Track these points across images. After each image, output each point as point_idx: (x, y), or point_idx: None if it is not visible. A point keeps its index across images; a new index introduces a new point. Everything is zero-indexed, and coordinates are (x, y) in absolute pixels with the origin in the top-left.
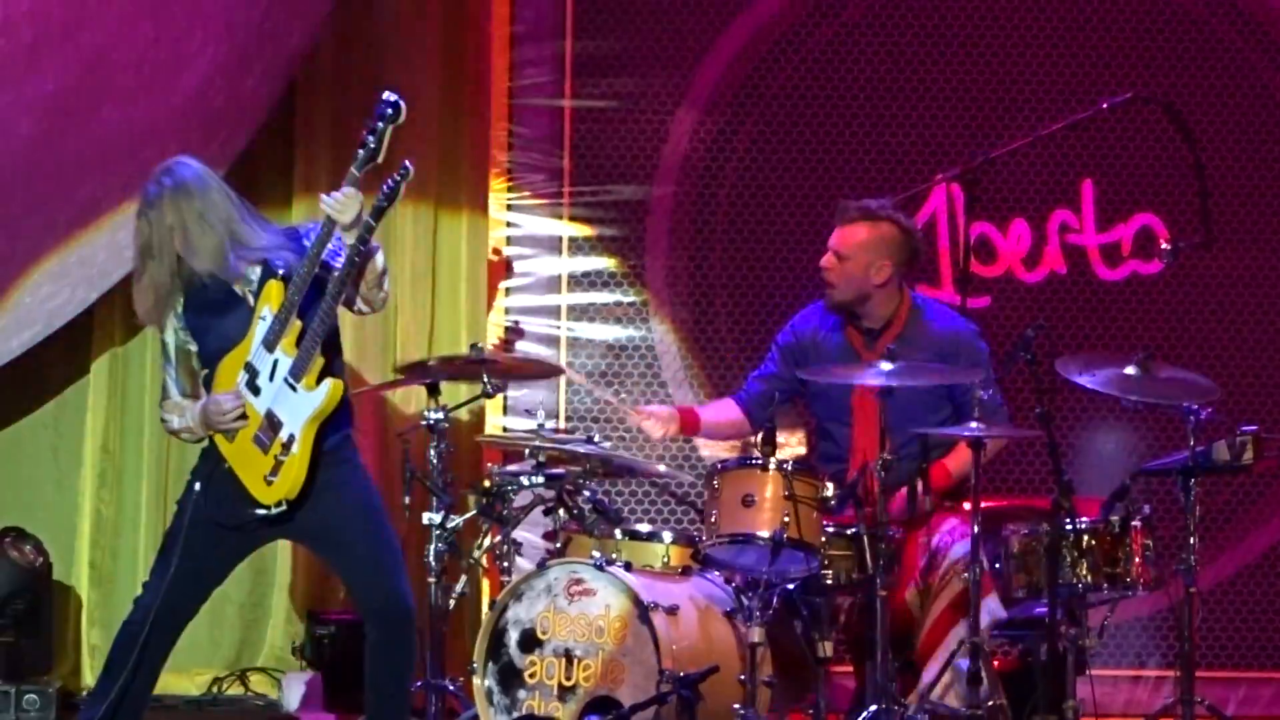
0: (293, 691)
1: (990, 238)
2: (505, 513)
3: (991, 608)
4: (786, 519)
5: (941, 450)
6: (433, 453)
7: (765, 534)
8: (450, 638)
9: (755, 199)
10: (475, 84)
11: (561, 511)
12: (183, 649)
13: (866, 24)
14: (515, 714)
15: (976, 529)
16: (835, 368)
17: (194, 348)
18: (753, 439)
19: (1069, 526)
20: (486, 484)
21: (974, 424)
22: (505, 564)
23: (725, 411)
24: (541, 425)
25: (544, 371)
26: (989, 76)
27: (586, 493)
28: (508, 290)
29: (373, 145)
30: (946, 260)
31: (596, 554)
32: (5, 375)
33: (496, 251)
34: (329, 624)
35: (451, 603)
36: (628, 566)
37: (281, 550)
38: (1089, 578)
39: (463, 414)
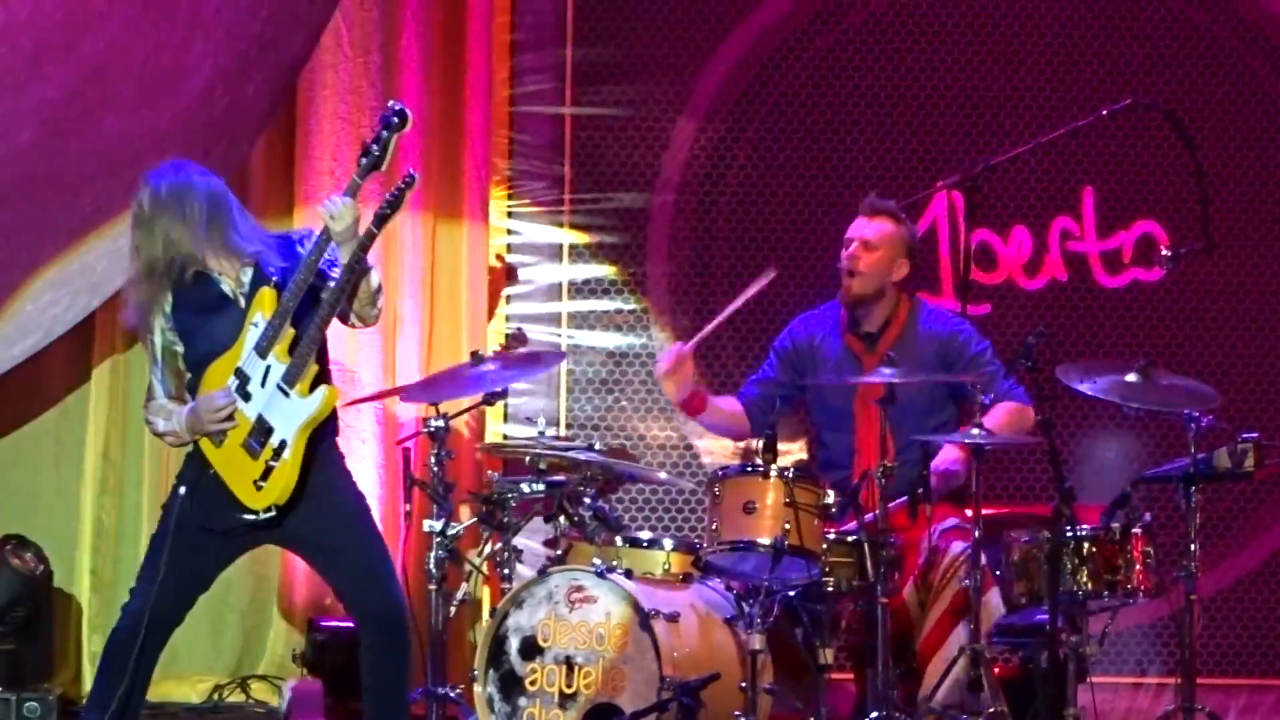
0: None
1: (991, 245)
2: (506, 520)
3: (994, 605)
4: (787, 526)
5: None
6: (433, 460)
7: (766, 541)
8: (451, 645)
9: (756, 206)
10: (476, 91)
11: (562, 519)
12: (184, 656)
13: (867, 31)
14: None
15: (977, 535)
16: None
17: (180, 349)
18: (754, 445)
19: (1070, 533)
20: (487, 491)
21: (976, 431)
22: (506, 571)
23: (729, 404)
24: (542, 433)
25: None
26: (990, 83)
27: (587, 500)
28: (509, 298)
29: (377, 153)
30: (947, 267)
31: (597, 561)
32: (6, 383)
33: (499, 259)
34: (330, 631)
35: (452, 610)
36: (628, 574)
37: (282, 558)
38: (1090, 585)
39: (463, 422)
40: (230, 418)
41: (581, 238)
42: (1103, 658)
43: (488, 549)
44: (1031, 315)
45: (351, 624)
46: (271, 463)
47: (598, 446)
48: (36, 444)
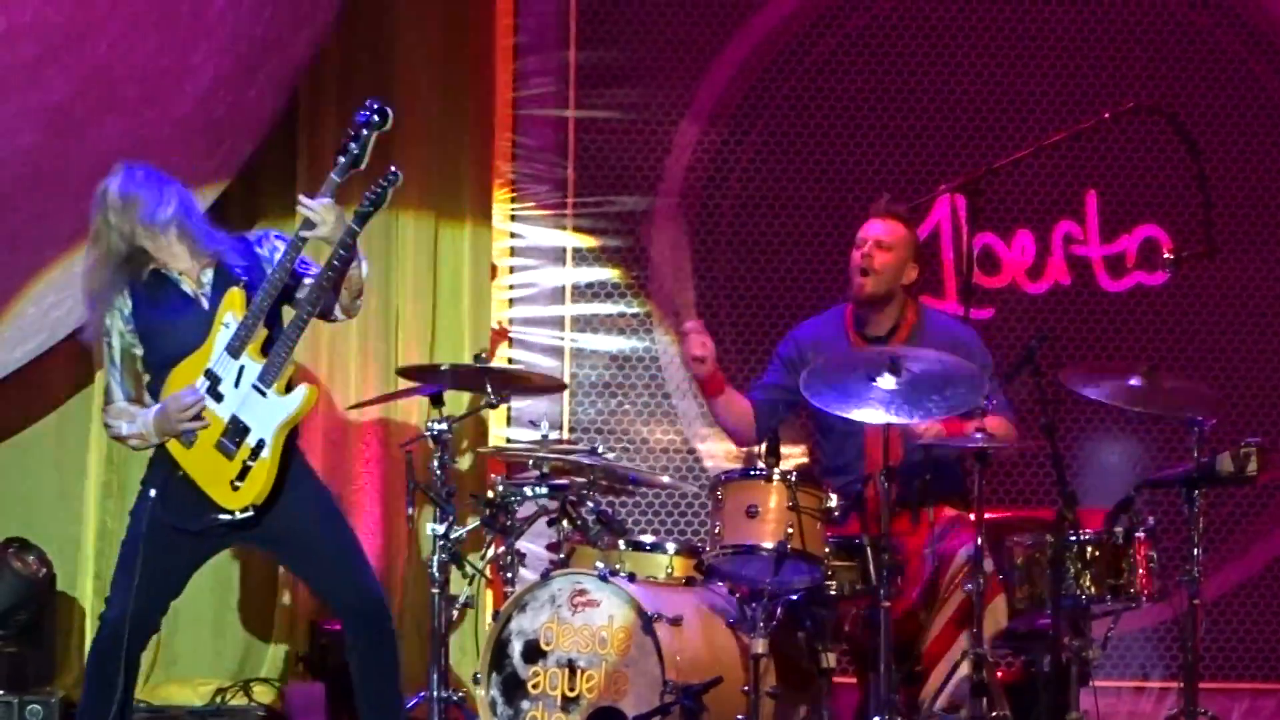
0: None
1: (994, 249)
2: (509, 523)
3: (1002, 611)
4: (790, 530)
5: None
6: (436, 464)
7: (769, 545)
8: (454, 649)
9: (759, 210)
10: (479, 94)
11: (565, 522)
12: (186, 659)
13: (869, 35)
14: None
15: (980, 542)
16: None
17: (140, 351)
18: (756, 450)
19: (1073, 538)
20: (490, 495)
21: (978, 434)
22: (509, 575)
23: (742, 401)
24: (545, 436)
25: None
26: (993, 87)
27: (590, 504)
28: (511, 301)
29: (355, 151)
30: (950, 271)
31: (600, 565)
32: (9, 385)
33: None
34: (332, 634)
35: (455, 614)
36: (631, 577)
37: None
38: (1092, 589)
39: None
40: (199, 417)
41: (584, 241)
42: (1105, 662)
43: (490, 552)
44: (1034, 319)
45: None
46: (249, 462)
47: (601, 450)
48: (39, 446)
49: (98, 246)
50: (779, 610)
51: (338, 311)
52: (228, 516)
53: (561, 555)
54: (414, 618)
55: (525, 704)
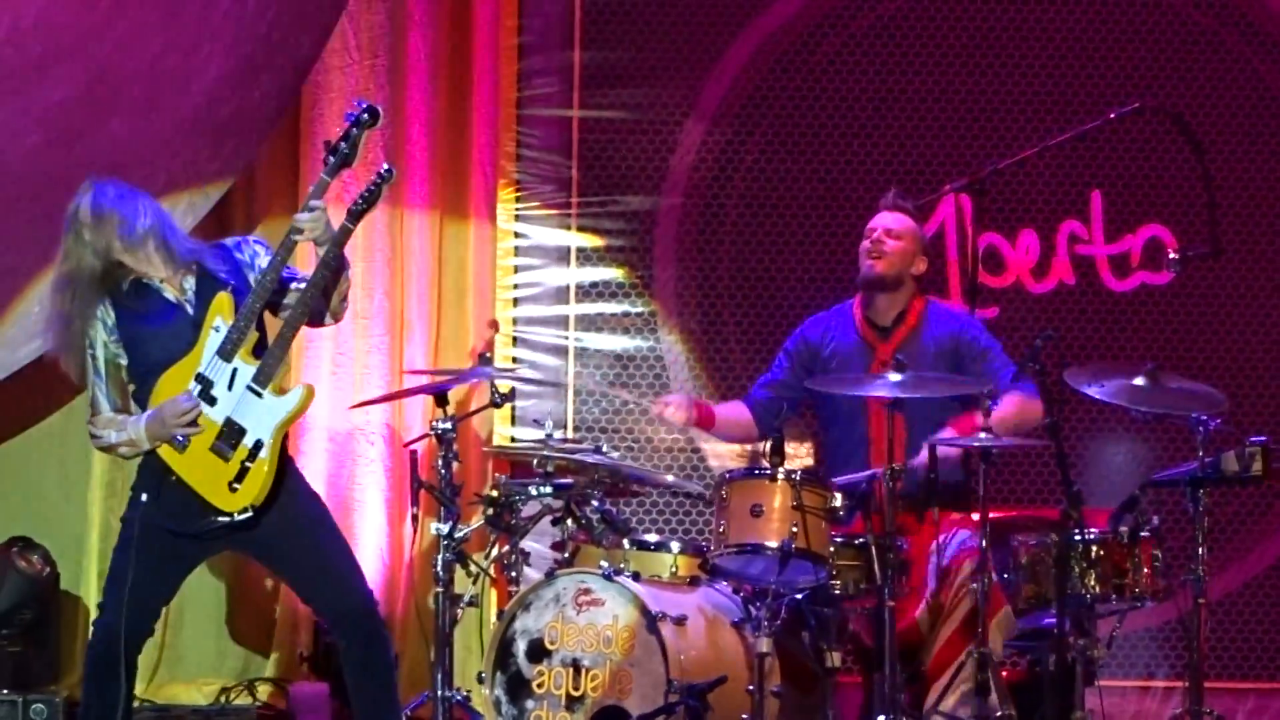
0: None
1: (999, 248)
2: (513, 523)
3: (1009, 622)
4: (795, 529)
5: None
6: (440, 463)
7: (774, 544)
8: (458, 648)
9: (763, 209)
10: (483, 93)
11: (569, 521)
12: (191, 659)
13: (874, 35)
14: None
15: (984, 540)
16: (846, 374)
17: (124, 361)
18: (761, 448)
19: (1078, 537)
20: (494, 494)
21: (982, 435)
22: (513, 574)
23: (736, 411)
24: (549, 435)
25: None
26: (997, 87)
27: (594, 503)
28: (515, 300)
29: (345, 150)
30: (955, 270)
31: (604, 564)
32: (13, 385)
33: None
34: None
35: (459, 613)
36: (636, 576)
37: None
38: (1097, 588)
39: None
40: (194, 421)
41: (589, 240)
42: (1110, 661)
43: (495, 551)
44: (1039, 319)
45: None
46: (247, 464)
47: (605, 449)
48: (43, 446)
49: (66, 264)
50: (783, 609)
51: (327, 316)
52: (226, 518)
53: (566, 554)
54: (418, 617)
55: (530, 703)
